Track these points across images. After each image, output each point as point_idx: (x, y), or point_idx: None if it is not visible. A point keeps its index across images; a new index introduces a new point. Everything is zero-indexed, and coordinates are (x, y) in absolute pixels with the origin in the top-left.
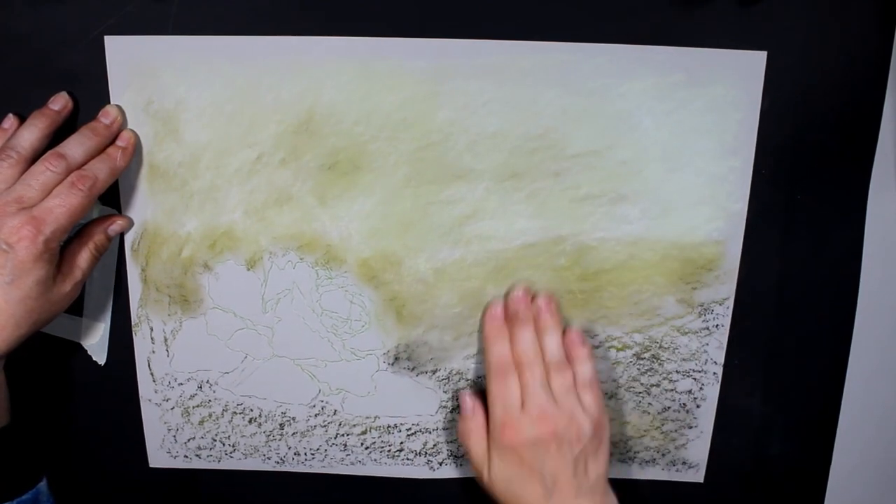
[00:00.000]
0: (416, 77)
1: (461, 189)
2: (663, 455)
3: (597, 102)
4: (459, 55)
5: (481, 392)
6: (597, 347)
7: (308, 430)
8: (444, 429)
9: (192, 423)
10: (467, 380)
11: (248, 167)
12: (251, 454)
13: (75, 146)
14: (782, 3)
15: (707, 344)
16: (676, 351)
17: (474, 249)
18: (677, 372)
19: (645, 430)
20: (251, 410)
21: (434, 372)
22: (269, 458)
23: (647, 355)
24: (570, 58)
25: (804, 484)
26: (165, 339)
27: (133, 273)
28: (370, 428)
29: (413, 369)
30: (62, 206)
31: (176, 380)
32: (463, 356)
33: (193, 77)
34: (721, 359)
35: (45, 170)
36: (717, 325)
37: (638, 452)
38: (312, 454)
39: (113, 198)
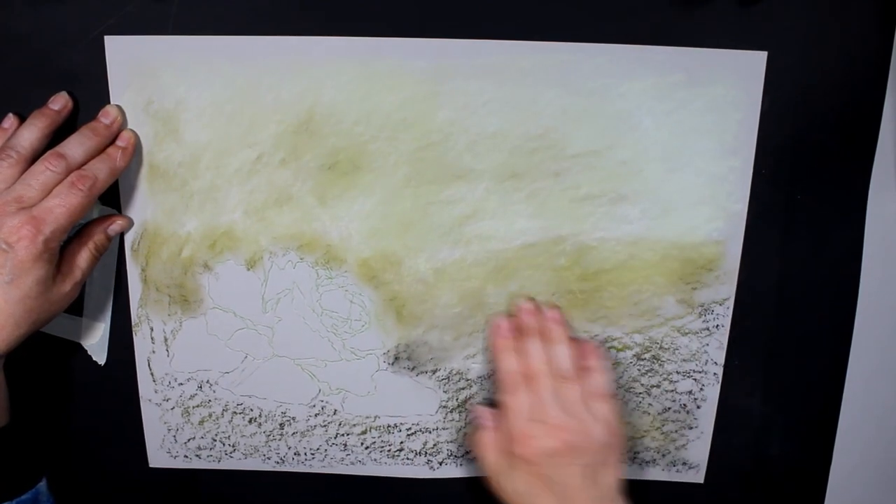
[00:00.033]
0: (416, 77)
1: (461, 189)
2: (663, 455)
3: (597, 102)
4: (459, 55)
5: (495, 403)
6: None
7: (308, 430)
8: (443, 429)
9: (192, 423)
10: (467, 380)
11: (248, 167)
12: (251, 454)
13: (75, 146)
14: (782, 3)
15: (707, 344)
16: (677, 351)
17: (474, 249)
18: (677, 372)
19: (645, 431)
20: (251, 410)
21: (434, 372)
22: (269, 458)
23: (647, 356)
24: (570, 58)
25: (804, 484)
26: (165, 339)
27: (133, 273)
28: (370, 428)
29: (413, 369)
30: (62, 205)
31: (176, 380)
32: (463, 356)
33: (193, 77)
34: (721, 359)
35: (45, 169)
36: (718, 326)
37: (638, 453)
38: (312, 454)
39: (113, 198)
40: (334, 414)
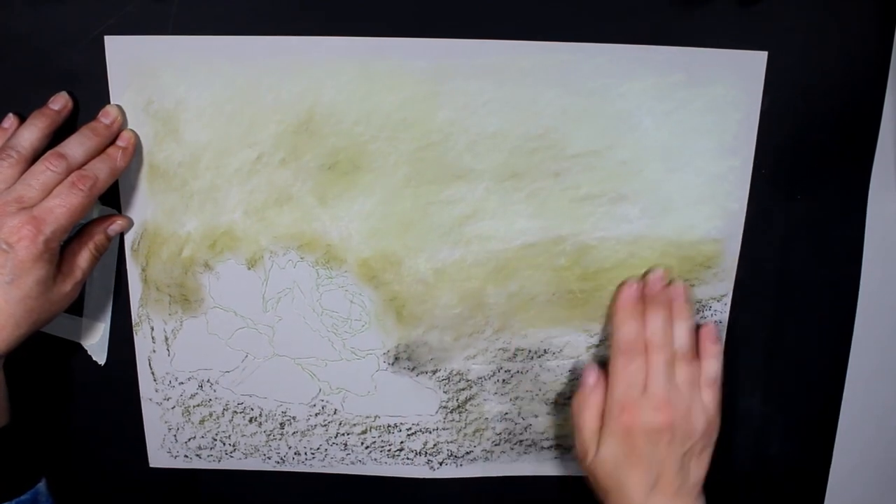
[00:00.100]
0: (416, 77)
1: (461, 189)
2: None
3: (597, 102)
4: (459, 55)
5: (603, 367)
6: (597, 346)
7: (308, 430)
8: (444, 429)
9: (192, 423)
10: (467, 380)
11: (248, 167)
12: (251, 454)
13: (75, 146)
14: (782, 3)
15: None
16: None
17: (474, 249)
18: None
19: None
20: (251, 410)
21: (434, 372)
22: (269, 458)
23: None
24: (570, 58)
25: (804, 484)
26: (166, 339)
27: (133, 273)
28: (370, 427)
29: (413, 369)
30: (62, 205)
31: (177, 379)
32: (463, 357)
33: (193, 77)
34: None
35: (46, 169)
36: (716, 322)
37: None
38: (313, 454)
39: (113, 198)
40: (334, 414)
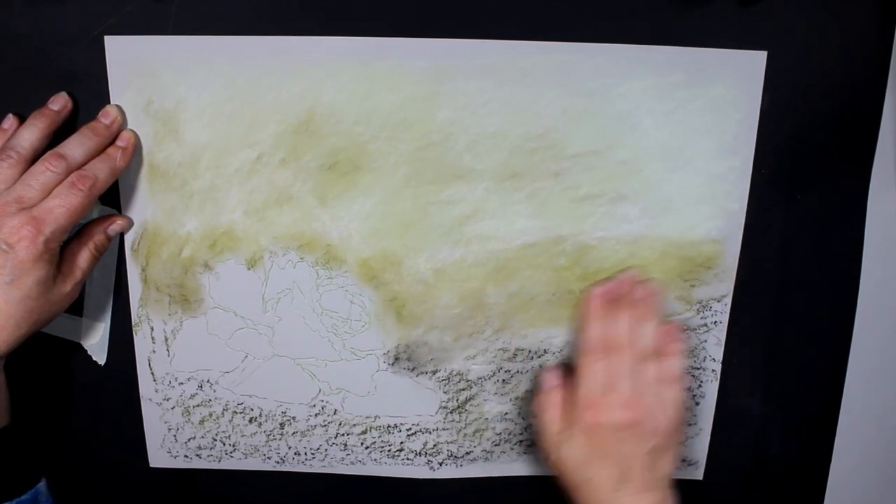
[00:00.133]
0: (416, 77)
1: (461, 189)
2: None
3: (597, 102)
4: (459, 55)
5: (563, 369)
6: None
7: (308, 430)
8: (444, 429)
9: (192, 423)
10: (467, 381)
11: (248, 167)
12: (251, 454)
13: (75, 146)
14: (782, 3)
15: (705, 341)
16: None
17: (474, 249)
18: None
19: None
20: (251, 410)
21: (434, 372)
22: (269, 458)
23: None
24: (570, 58)
25: (804, 483)
26: (166, 339)
27: (133, 273)
28: (370, 428)
29: (413, 369)
30: (62, 206)
31: (176, 379)
32: (463, 357)
33: (193, 77)
34: (719, 356)
35: (46, 170)
36: (716, 322)
37: None
38: (312, 454)
39: (113, 198)
40: (334, 414)
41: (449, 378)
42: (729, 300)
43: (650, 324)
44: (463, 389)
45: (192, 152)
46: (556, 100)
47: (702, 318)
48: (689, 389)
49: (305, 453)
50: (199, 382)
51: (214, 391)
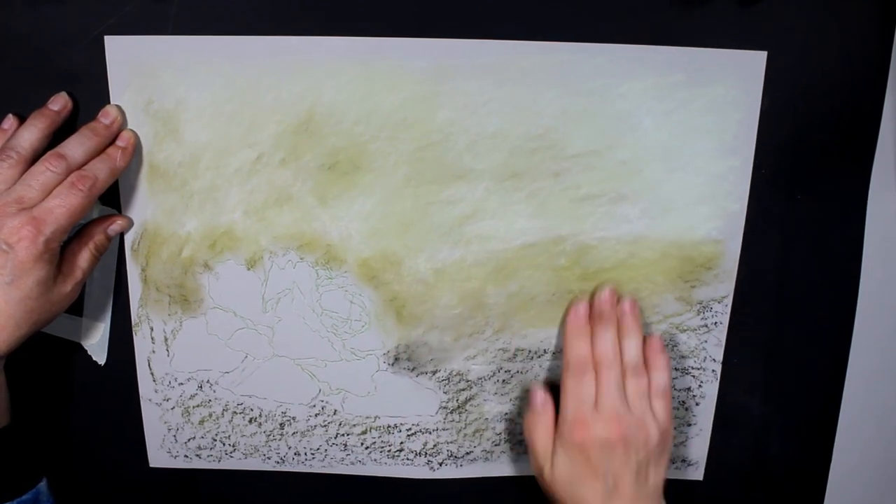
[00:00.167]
0: (416, 77)
1: (461, 189)
2: None
3: (597, 102)
4: (459, 55)
5: (549, 387)
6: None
7: (308, 430)
8: (444, 429)
9: (192, 423)
10: (467, 381)
11: (248, 167)
12: (251, 454)
13: (75, 146)
14: (782, 3)
15: (706, 341)
16: (675, 348)
17: (474, 249)
18: (676, 369)
19: None
20: (251, 410)
21: (434, 373)
22: (269, 458)
23: None
24: (570, 58)
25: (804, 483)
26: (166, 339)
27: (133, 273)
28: (370, 428)
29: (413, 370)
30: (62, 206)
31: (176, 379)
32: (463, 357)
33: (193, 77)
34: (720, 356)
35: (46, 170)
36: (716, 323)
37: None
38: (312, 454)
39: (113, 198)
40: (334, 414)
41: (449, 378)
42: (729, 301)
43: (634, 339)
44: (463, 389)
45: (192, 152)
46: (556, 100)
47: (702, 318)
48: (689, 389)
49: (305, 453)
50: (198, 383)
51: (214, 391)
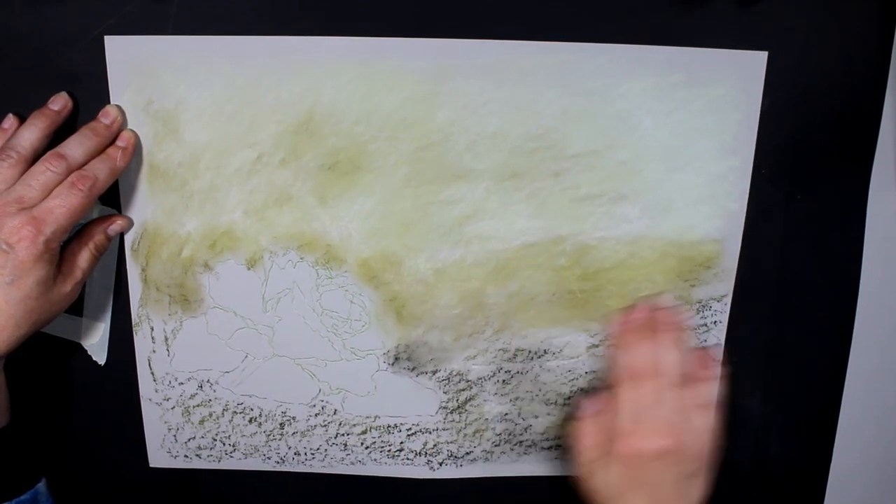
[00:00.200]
0: (416, 77)
1: (461, 189)
2: None
3: (597, 102)
4: (459, 55)
5: (598, 394)
6: (596, 346)
7: (308, 430)
8: (444, 429)
9: (192, 423)
10: (467, 381)
11: (248, 167)
12: (251, 454)
13: (75, 146)
14: (782, 3)
15: (705, 340)
16: None
17: (474, 249)
18: None
19: None
20: (251, 410)
21: (434, 372)
22: (269, 458)
23: None
24: (570, 58)
25: (804, 483)
26: (166, 339)
27: (133, 273)
28: (370, 428)
29: (413, 369)
30: (62, 206)
31: (176, 379)
32: (463, 357)
33: (193, 77)
34: (719, 356)
35: (46, 170)
36: (715, 322)
37: None
38: (312, 454)
39: (113, 198)
40: (334, 414)
41: (449, 378)
42: (729, 300)
43: (683, 349)
44: (463, 390)
45: (192, 152)
46: (556, 100)
47: (702, 317)
48: None
49: (305, 453)
50: (199, 382)
51: (214, 391)
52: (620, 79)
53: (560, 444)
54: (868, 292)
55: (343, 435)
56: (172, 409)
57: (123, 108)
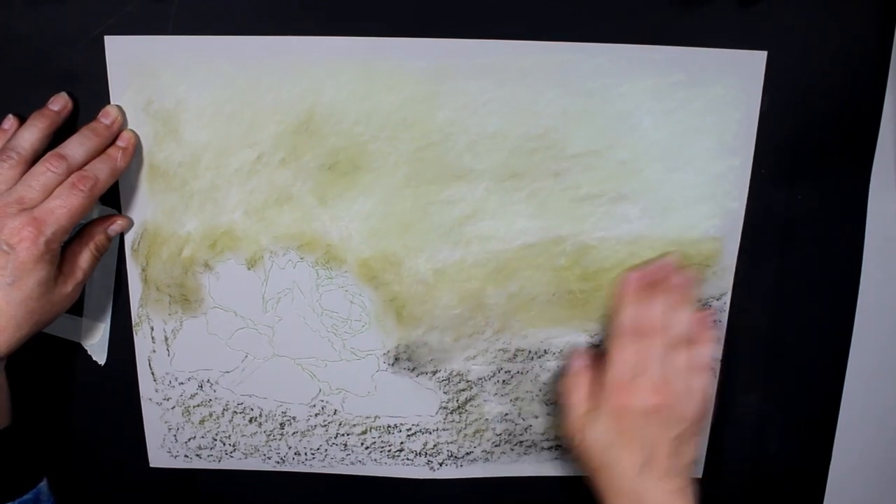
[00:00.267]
0: (416, 77)
1: (461, 189)
2: None
3: (597, 102)
4: (459, 55)
5: (591, 351)
6: (597, 346)
7: (308, 430)
8: (444, 429)
9: (192, 423)
10: (467, 381)
11: (248, 167)
12: (251, 454)
13: (76, 147)
14: (782, 3)
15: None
16: None
17: (474, 250)
18: None
19: None
20: (251, 410)
21: (434, 373)
22: (269, 458)
23: None
24: (570, 58)
25: (804, 483)
26: (166, 339)
27: (133, 273)
28: (370, 428)
29: (413, 370)
30: (63, 206)
31: (176, 379)
32: (463, 357)
33: (193, 77)
34: (719, 354)
35: (46, 171)
36: (715, 321)
37: None
38: (312, 454)
39: (113, 198)
40: (334, 414)
41: (449, 378)
42: (728, 298)
43: (684, 310)
44: (463, 390)
45: (192, 152)
46: (556, 100)
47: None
48: None
49: (305, 453)
50: (199, 382)
51: (214, 391)
52: (620, 79)
53: (560, 445)
54: (868, 292)
55: (343, 435)
56: (172, 408)
57: (123, 108)
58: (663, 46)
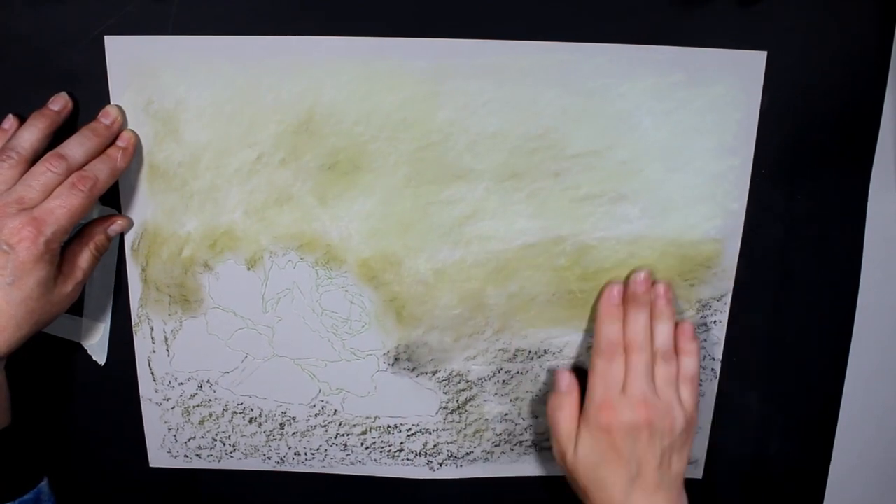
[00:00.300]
0: (416, 77)
1: (461, 189)
2: None
3: (597, 102)
4: (459, 55)
5: (575, 370)
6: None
7: (308, 430)
8: (444, 430)
9: (192, 423)
10: (467, 381)
11: (248, 167)
12: (251, 454)
13: (76, 147)
14: (782, 3)
15: (705, 340)
16: None
17: (474, 250)
18: None
19: None
20: (251, 410)
21: (434, 373)
22: (269, 458)
23: None
24: (570, 58)
25: (804, 483)
26: (166, 339)
27: (133, 273)
28: (370, 428)
29: (413, 370)
30: (63, 206)
31: (176, 379)
32: (463, 357)
33: (193, 77)
34: (719, 355)
35: (46, 170)
36: (715, 322)
37: None
38: (312, 454)
39: (113, 198)
40: (334, 414)
41: (449, 378)
42: (728, 299)
43: (666, 324)
44: (463, 390)
45: (192, 152)
46: (556, 100)
47: (701, 317)
48: None
49: (305, 453)
50: (198, 382)
51: (214, 391)
52: (620, 79)
53: None
54: (868, 292)
55: (343, 435)
56: (172, 409)
57: (123, 108)
58: (663, 46)
